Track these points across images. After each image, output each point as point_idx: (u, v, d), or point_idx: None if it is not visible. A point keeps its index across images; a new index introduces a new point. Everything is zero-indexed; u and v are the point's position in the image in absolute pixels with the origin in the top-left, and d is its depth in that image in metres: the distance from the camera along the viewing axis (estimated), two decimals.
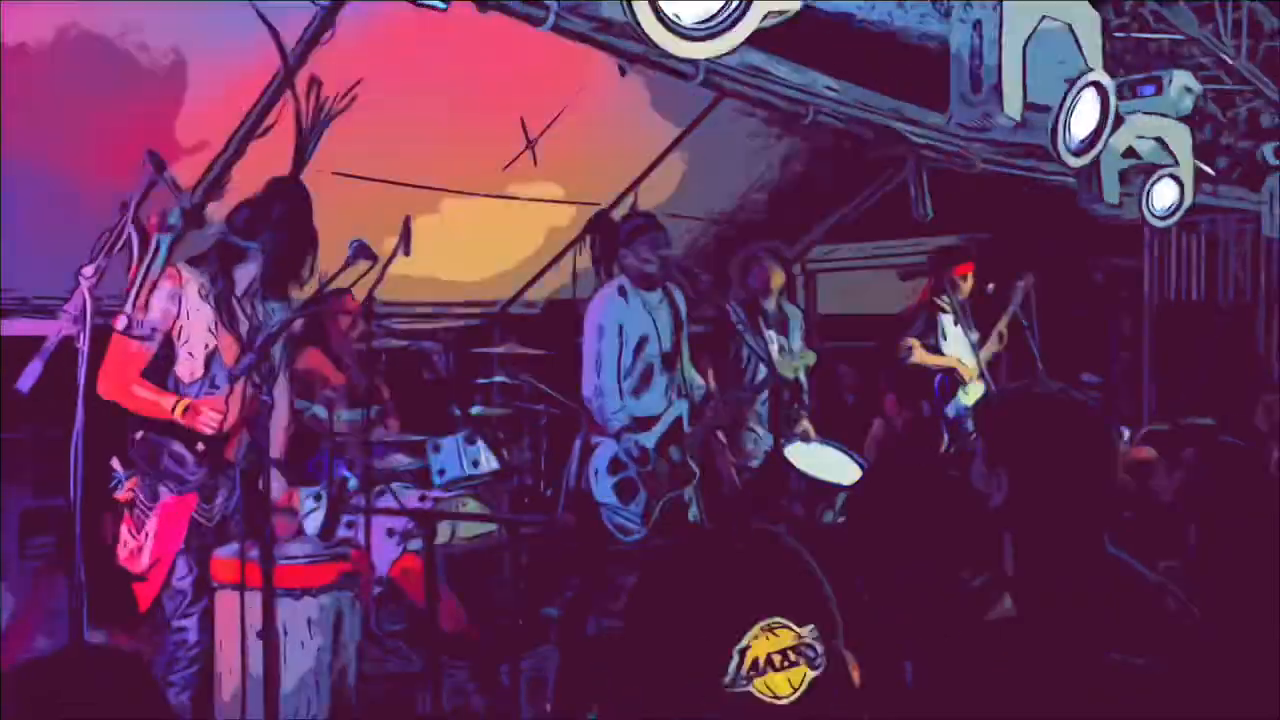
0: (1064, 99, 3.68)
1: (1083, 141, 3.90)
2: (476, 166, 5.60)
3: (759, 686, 1.31)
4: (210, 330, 3.41)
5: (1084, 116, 3.84)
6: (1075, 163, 3.94)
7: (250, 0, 3.27)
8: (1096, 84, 3.78)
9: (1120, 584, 1.99)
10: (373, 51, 4.10)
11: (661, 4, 2.30)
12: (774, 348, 5.47)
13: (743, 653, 1.30)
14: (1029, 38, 3.54)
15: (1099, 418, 2.11)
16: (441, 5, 3.29)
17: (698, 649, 1.32)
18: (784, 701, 1.31)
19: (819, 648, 1.34)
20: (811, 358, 5.74)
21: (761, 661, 1.31)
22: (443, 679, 3.69)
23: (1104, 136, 3.92)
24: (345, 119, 3.61)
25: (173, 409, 3.33)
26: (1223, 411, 6.21)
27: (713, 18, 2.37)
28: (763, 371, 5.23)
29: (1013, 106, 3.52)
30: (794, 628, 1.32)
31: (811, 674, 1.32)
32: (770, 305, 5.61)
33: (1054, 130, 3.72)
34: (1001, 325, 6.12)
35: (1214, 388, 6.94)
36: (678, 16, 2.34)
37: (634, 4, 2.26)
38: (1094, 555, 1.98)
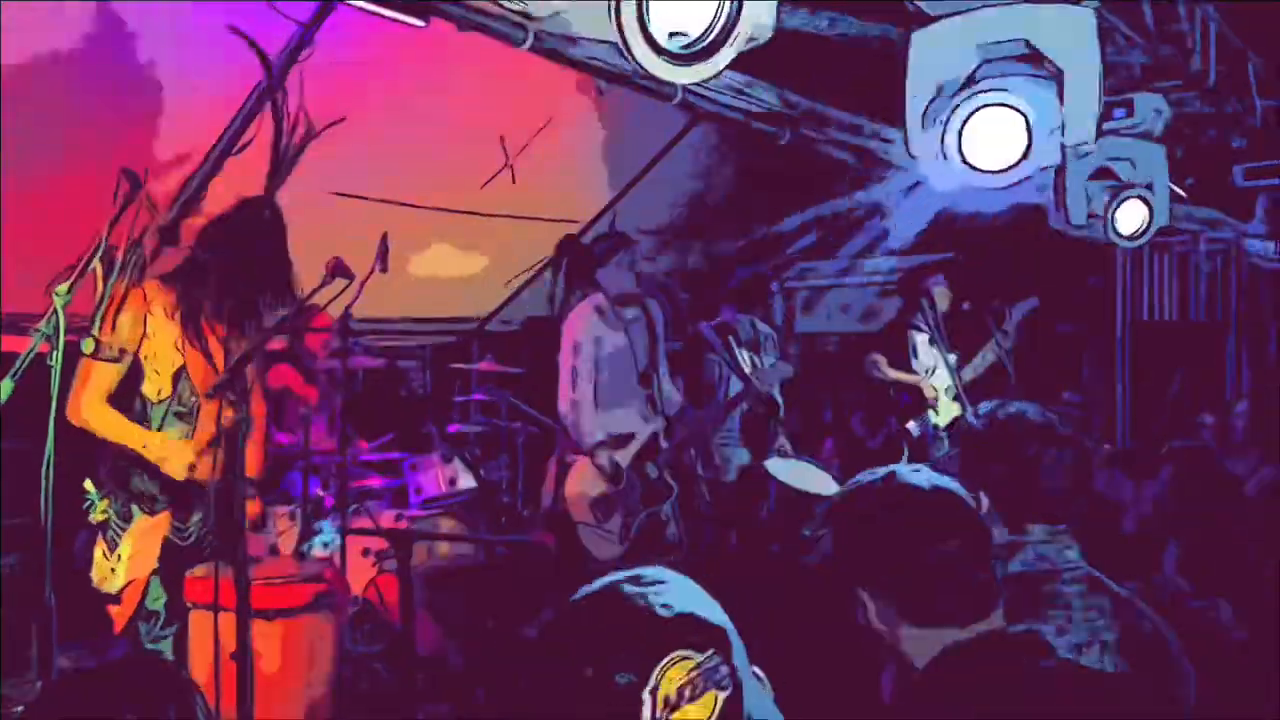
0: (947, 115, 3.40)
1: (1009, 165, 3.50)
2: (455, 183, 5.59)
3: None
4: (177, 348, 3.34)
5: (1000, 136, 3.46)
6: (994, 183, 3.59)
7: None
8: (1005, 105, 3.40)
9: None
10: (352, 67, 4.11)
11: (652, 29, 2.26)
12: (747, 366, 5.47)
13: (653, 693, 1.27)
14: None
15: (1069, 438, 2.14)
16: (420, 23, 3.31)
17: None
18: None
19: (723, 669, 1.30)
20: (789, 370, 5.73)
21: (673, 697, 1.27)
22: (418, 700, 3.66)
23: (1028, 157, 3.49)
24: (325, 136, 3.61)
25: (143, 444, 3.27)
26: (1193, 429, 6.29)
27: (693, 42, 2.35)
28: (736, 388, 5.24)
29: (920, 147, 3.34)
30: (693, 655, 1.29)
31: (722, 695, 1.29)
32: (743, 328, 5.61)
33: (940, 147, 3.42)
34: (993, 349, 5.90)
35: (1185, 406, 7.00)
36: (670, 37, 2.30)
37: (625, 34, 2.21)
38: None
